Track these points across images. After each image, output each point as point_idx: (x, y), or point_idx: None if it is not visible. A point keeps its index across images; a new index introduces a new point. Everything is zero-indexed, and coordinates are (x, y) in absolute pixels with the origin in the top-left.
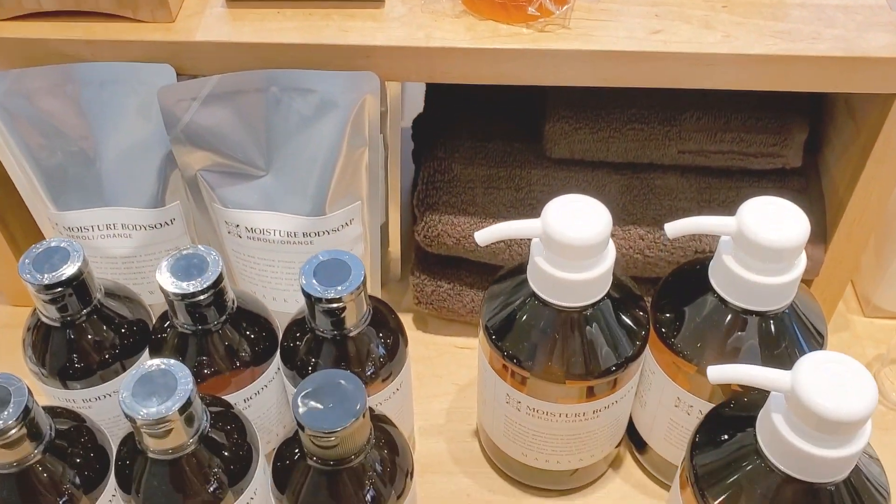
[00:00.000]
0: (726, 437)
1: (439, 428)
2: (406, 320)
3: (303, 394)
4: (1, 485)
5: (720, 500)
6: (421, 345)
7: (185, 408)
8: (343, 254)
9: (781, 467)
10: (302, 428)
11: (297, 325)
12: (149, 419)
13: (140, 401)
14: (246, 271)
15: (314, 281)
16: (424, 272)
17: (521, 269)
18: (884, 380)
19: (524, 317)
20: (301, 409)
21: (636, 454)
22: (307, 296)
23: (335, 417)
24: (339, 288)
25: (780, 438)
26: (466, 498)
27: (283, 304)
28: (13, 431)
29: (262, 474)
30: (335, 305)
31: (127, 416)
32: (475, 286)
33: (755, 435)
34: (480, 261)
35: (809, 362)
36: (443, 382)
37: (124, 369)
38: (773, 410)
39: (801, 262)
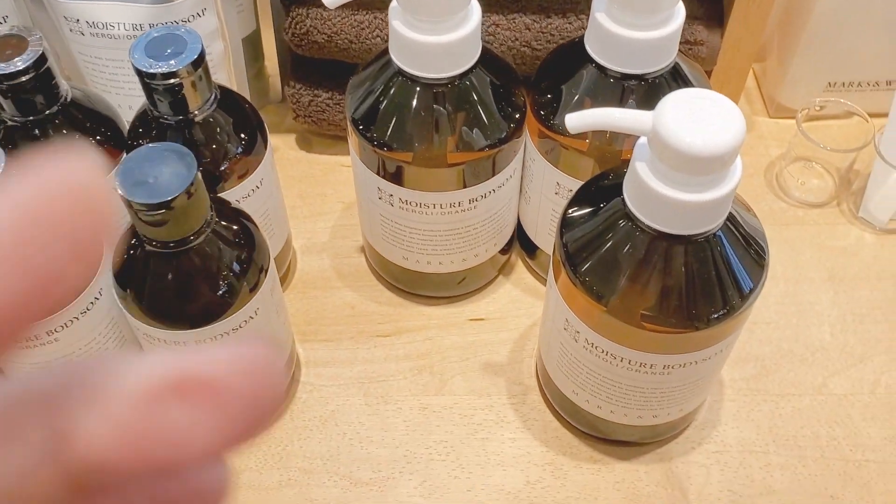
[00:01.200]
0: (595, 209)
1: (323, 245)
2: (288, 141)
3: (125, 167)
4: None
5: (593, 273)
6: (304, 164)
7: None
8: (178, 28)
9: (651, 223)
10: (128, 204)
11: (141, 118)
12: None
13: None
14: (96, 77)
15: (145, 56)
16: (300, 81)
17: (384, 52)
18: (787, 178)
19: (389, 98)
20: (125, 183)
21: (527, 260)
22: (139, 73)
23: (162, 190)
24: (173, 62)
25: (646, 190)
26: (350, 310)
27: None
28: None
29: (105, 273)
30: (171, 82)
31: None
32: None
33: (623, 199)
34: (356, 62)
35: (673, 98)
36: (328, 201)
37: None
38: (636, 159)
39: (680, 13)
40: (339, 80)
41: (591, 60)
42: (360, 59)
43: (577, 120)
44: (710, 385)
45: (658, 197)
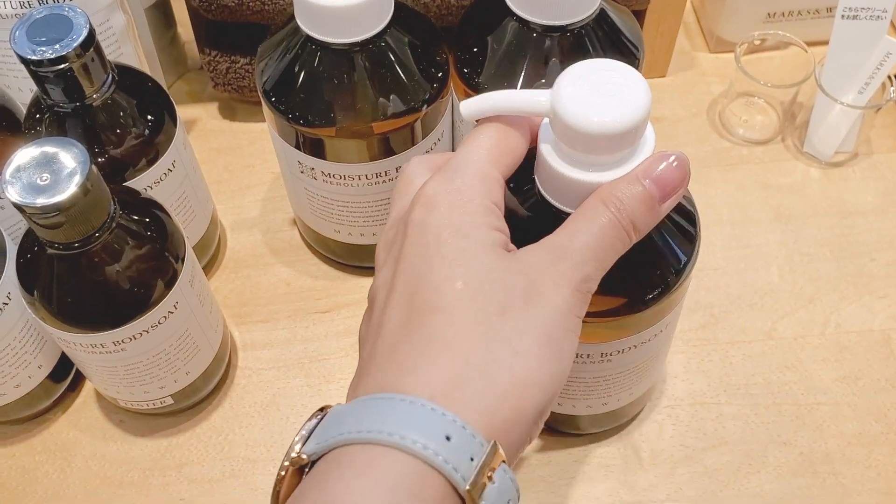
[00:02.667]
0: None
1: (253, 220)
2: (211, 111)
3: (13, 170)
4: None
5: None
6: (229, 135)
7: None
8: (61, 7)
9: (558, 204)
10: (20, 209)
11: (35, 105)
12: None
13: None
14: None
15: (27, 42)
16: (215, 47)
17: (293, 17)
18: (730, 116)
19: (300, 66)
20: (14, 187)
21: None
22: (23, 60)
23: (55, 190)
24: (59, 46)
25: (554, 174)
26: (286, 287)
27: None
28: None
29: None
30: (60, 67)
31: None
32: None
33: (535, 182)
34: (272, 24)
35: (569, 74)
36: (256, 172)
37: None
38: (541, 142)
39: None
40: (256, 43)
41: (512, 13)
42: (275, 21)
43: (471, 107)
44: (658, 364)
45: (566, 179)
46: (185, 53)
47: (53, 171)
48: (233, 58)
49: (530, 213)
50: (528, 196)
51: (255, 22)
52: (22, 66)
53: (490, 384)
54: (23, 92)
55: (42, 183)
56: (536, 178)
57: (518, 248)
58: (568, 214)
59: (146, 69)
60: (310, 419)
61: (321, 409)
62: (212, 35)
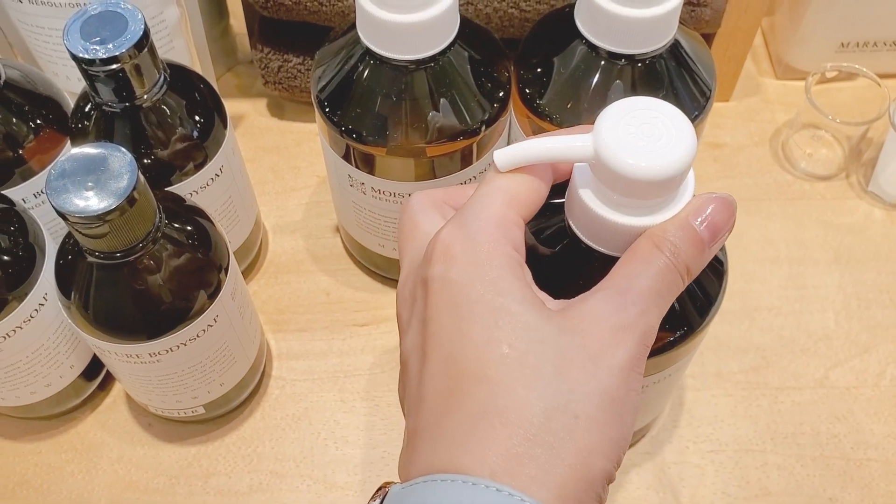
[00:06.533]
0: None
1: (296, 225)
2: (259, 107)
3: (58, 174)
4: None
5: None
6: (276, 134)
7: None
8: (117, 4)
9: (595, 246)
10: (62, 216)
11: (84, 101)
12: None
13: None
14: (40, 47)
15: (81, 39)
16: (269, 44)
17: (353, 26)
18: (793, 147)
19: (357, 80)
20: (57, 193)
21: None
22: (75, 58)
23: (101, 199)
24: (112, 45)
25: (592, 216)
26: (325, 296)
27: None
28: None
29: (52, 278)
30: (112, 67)
31: None
32: None
33: (567, 221)
34: (328, 25)
35: (610, 116)
36: (301, 175)
37: None
38: (578, 186)
39: None
40: (311, 43)
41: (581, 36)
42: (333, 22)
43: (506, 158)
44: (665, 402)
45: (607, 223)
46: (235, 45)
47: (100, 178)
48: (285, 56)
49: (562, 255)
50: (557, 237)
51: (311, 22)
52: (69, 56)
53: (553, 455)
54: (70, 80)
55: (87, 190)
56: (570, 220)
57: (550, 292)
58: (605, 256)
59: (196, 63)
60: (371, 500)
61: (380, 488)
62: (265, 31)
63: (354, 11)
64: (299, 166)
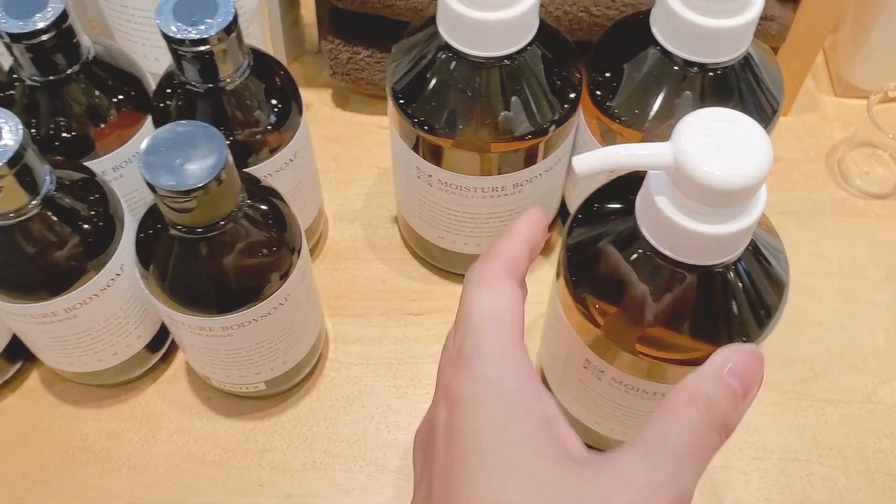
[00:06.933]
0: (602, 231)
1: (356, 213)
2: (324, 97)
3: (151, 148)
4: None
5: (592, 292)
6: (340, 124)
7: (16, 161)
8: None
9: (667, 252)
10: (152, 189)
11: (168, 80)
12: None
13: None
14: (121, 25)
15: (173, 19)
16: (339, 36)
17: (433, 20)
18: (850, 164)
19: (434, 73)
20: (150, 167)
21: None
22: (166, 37)
23: (191, 176)
24: (203, 27)
25: (664, 220)
26: (381, 284)
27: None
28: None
29: (130, 249)
30: (201, 49)
31: None
32: None
33: (637, 225)
34: (401, 19)
35: (690, 126)
36: (362, 165)
37: None
38: (653, 193)
39: (759, 2)
40: (381, 36)
41: (656, 42)
42: (405, 17)
43: (586, 163)
44: None
45: (678, 228)
46: (304, 36)
47: (191, 155)
48: (355, 48)
49: (633, 261)
50: (628, 242)
51: (383, 15)
52: (150, 35)
53: None
54: (147, 60)
55: (177, 165)
56: (642, 227)
57: (614, 300)
58: (676, 262)
59: (270, 50)
60: None
61: None
62: (336, 23)
63: (427, 7)
64: (361, 157)
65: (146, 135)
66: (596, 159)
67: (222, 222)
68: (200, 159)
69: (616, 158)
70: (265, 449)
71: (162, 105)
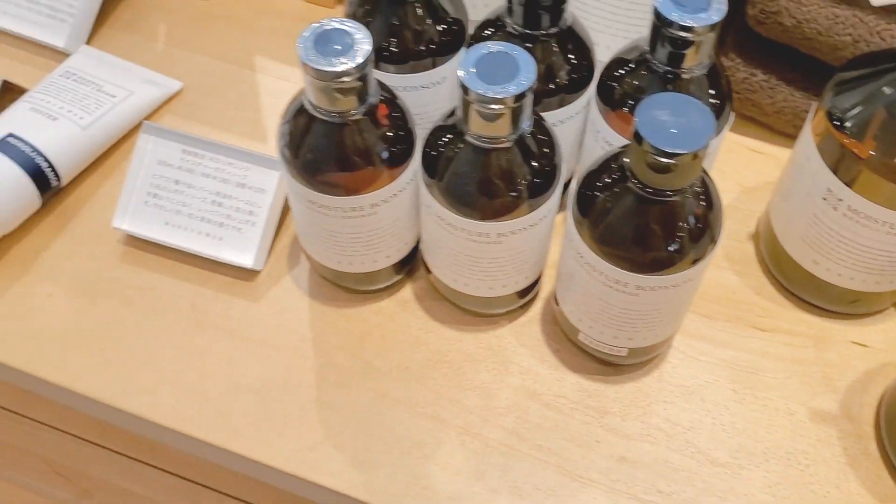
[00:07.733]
0: None
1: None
2: None
3: (651, 107)
4: (323, 131)
5: None
6: None
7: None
8: None
9: None
10: (639, 140)
11: (624, 58)
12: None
13: None
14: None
15: (674, 4)
16: (741, 55)
17: (881, 57)
18: None
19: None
20: (645, 123)
21: None
22: (658, 16)
23: (677, 142)
24: (703, 16)
25: None
26: (731, 293)
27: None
28: (348, 79)
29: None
30: (685, 35)
31: None
32: (795, 83)
33: None
34: (813, 55)
35: None
36: (726, 180)
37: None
38: None
39: None
40: (784, 64)
41: None
42: (820, 54)
43: None
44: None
45: None
46: None
47: (682, 125)
48: (752, 70)
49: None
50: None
51: (796, 47)
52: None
53: None
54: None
55: (671, 130)
56: None
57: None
58: None
59: None
60: None
61: None
62: (740, 43)
63: (847, 47)
64: (724, 171)
65: (583, 104)
66: None
67: (670, 192)
68: (690, 131)
69: None
70: (605, 411)
71: (609, 84)
